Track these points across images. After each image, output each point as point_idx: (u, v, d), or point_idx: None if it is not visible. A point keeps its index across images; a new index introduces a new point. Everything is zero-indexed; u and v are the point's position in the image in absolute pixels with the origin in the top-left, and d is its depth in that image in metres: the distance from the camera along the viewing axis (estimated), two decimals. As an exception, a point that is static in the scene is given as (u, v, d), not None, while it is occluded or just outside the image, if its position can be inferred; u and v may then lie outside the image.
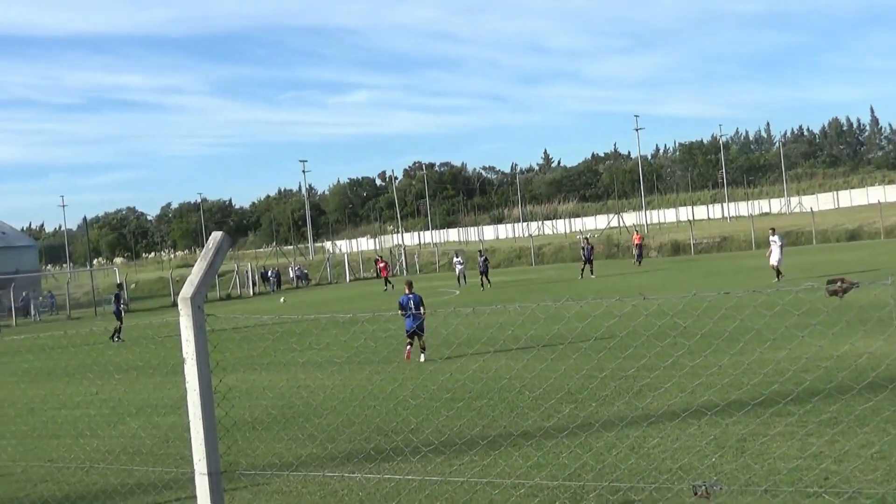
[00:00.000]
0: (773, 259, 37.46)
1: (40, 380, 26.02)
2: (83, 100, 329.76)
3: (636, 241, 72.94)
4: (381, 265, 69.60)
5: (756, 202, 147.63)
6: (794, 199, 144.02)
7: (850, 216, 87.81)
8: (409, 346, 22.66)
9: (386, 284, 63.83)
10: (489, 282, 53.81)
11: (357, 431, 14.75)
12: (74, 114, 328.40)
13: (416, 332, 22.46)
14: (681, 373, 15.43)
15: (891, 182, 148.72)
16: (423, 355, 22.47)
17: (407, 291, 23.72)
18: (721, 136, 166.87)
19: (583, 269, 55.01)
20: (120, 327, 37.75)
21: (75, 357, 32.86)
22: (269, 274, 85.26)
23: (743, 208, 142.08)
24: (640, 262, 66.14)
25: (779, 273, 37.05)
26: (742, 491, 9.64)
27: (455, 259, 63.25)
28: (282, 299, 36.61)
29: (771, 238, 38.02)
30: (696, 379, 15.06)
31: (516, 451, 12.23)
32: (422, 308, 22.78)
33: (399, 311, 23.27)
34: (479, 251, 63.48)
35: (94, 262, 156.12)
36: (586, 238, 64.91)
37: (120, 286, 43.84)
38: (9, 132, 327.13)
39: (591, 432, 12.62)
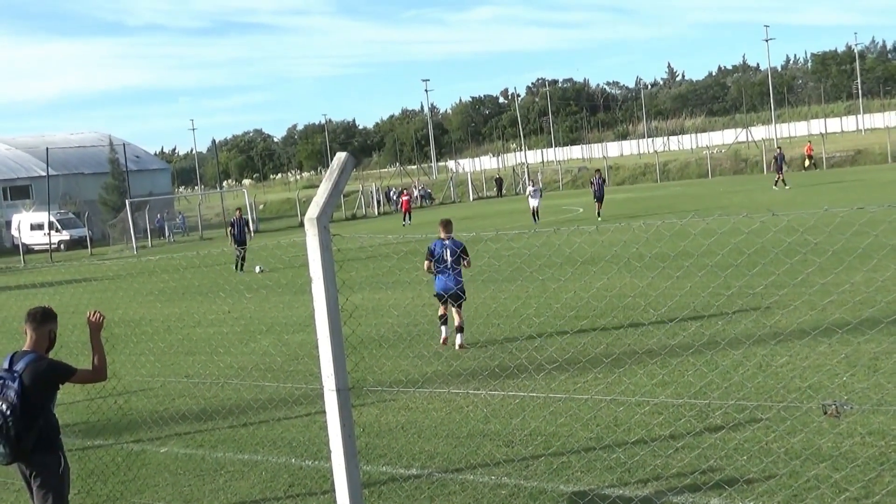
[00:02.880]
0: None
1: (175, 299, 26.92)
2: (210, 23, 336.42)
3: (808, 153, 71.67)
4: (405, 198, 63.25)
5: (893, 113, 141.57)
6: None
7: None
8: (444, 326, 15.63)
9: (405, 219, 58.39)
10: (599, 214, 41.89)
11: (481, 349, 14.91)
12: (202, 37, 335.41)
13: (451, 298, 15.06)
14: (811, 290, 15.09)
15: None
16: (459, 337, 15.15)
17: (442, 235, 15.63)
18: (856, 45, 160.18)
19: (778, 180, 53.26)
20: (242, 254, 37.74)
21: (207, 276, 33.86)
22: (392, 193, 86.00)
23: (879, 120, 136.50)
24: None
25: None
26: (874, 410, 9.44)
27: (529, 189, 47.36)
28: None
29: None
30: (826, 296, 14.71)
31: (641, 369, 12.20)
32: (463, 262, 15.23)
33: (426, 264, 15.72)
34: (597, 171, 50.22)
35: (224, 183, 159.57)
36: (779, 147, 63.73)
37: (239, 209, 40.25)
38: (139, 57, 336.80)
39: (716, 350, 12.49)
